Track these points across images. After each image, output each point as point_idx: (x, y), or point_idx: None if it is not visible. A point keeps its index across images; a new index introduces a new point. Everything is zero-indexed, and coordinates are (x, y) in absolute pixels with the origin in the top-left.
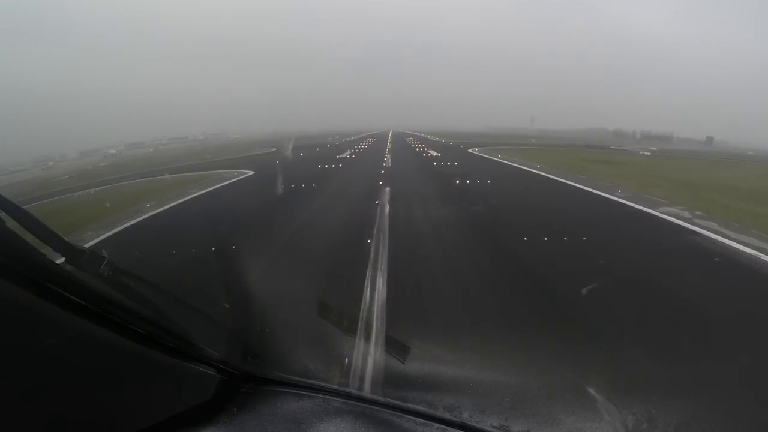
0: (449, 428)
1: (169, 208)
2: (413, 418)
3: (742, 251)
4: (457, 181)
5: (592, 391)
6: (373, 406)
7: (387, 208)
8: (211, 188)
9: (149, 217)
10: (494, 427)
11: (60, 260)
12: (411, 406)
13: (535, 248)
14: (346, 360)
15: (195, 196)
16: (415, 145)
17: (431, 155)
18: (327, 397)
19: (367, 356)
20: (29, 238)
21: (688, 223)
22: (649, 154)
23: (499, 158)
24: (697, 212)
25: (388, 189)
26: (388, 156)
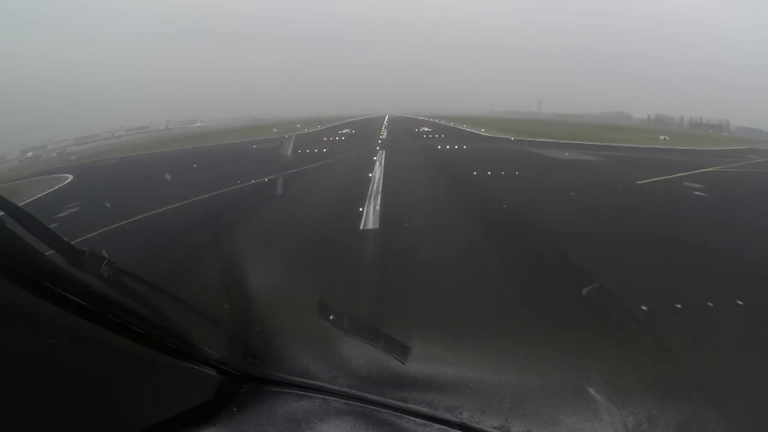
0: (449, 428)
1: None
2: (413, 418)
3: None
4: None
5: (592, 390)
6: (373, 407)
7: None
8: None
9: None
10: (494, 427)
11: (60, 260)
12: (411, 406)
13: None
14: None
15: None
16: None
17: None
18: (327, 397)
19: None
20: (29, 238)
21: None
22: None
23: None
24: None
25: None
26: None
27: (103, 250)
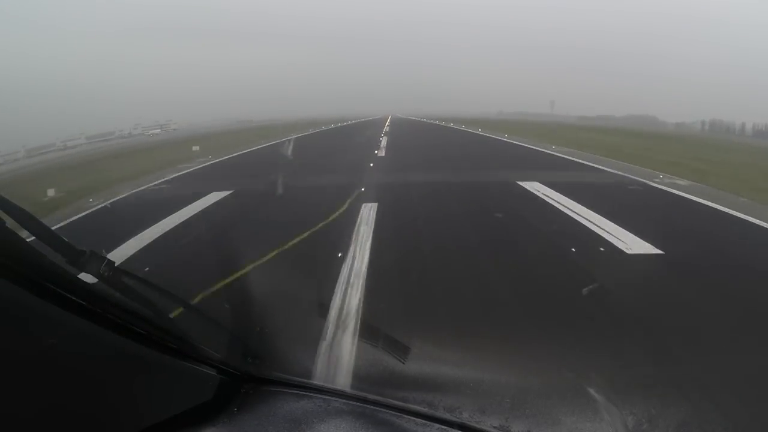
0: (449, 428)
1: None
2: (413, 418)
3: None
4: None
5: (592, 391)
6: (373, 406)
7: None
8: None
9: None
10: (494, 427)
11: (60, 260)
12: (411, 406)
13: None
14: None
15: None
16: None
17: None
18: (327, 397)
19: None
20: (29, 238)
21: None
22: None
23: None
24: None
25: None
26: None
27: (103, 250)
